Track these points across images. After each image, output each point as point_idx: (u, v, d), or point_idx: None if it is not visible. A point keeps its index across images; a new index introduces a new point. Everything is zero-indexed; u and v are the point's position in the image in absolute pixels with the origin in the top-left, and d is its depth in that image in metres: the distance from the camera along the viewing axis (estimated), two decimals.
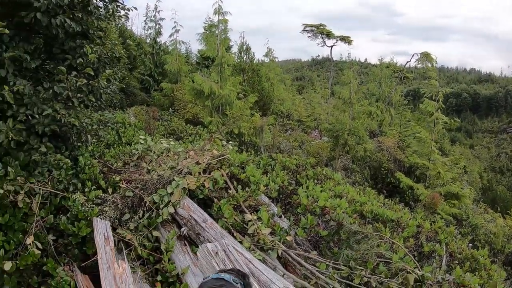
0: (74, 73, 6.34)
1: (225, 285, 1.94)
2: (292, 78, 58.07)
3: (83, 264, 5.54)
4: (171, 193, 6.22)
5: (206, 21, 22.68)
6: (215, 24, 18.91)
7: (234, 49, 26.54)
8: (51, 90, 6.26)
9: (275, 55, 29.40)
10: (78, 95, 6.49)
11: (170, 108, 19.63)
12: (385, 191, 17.38)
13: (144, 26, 32.14)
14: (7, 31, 5.46)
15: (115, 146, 9.08)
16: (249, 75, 24.21)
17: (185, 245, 6.04)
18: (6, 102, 5.48)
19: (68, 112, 6.34)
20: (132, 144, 9.66)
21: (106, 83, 7.14)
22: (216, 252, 4.71)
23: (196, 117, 17.54)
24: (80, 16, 6.50)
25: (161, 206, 6.07)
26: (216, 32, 18.80)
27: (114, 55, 7.73)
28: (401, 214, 9.40)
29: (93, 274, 5.72)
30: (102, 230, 5.30)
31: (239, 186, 7.22)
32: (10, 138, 5.18)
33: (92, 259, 5.55)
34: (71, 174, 6.40)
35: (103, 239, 5.12)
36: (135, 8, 8.43)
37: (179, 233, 6.06)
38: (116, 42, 9.75)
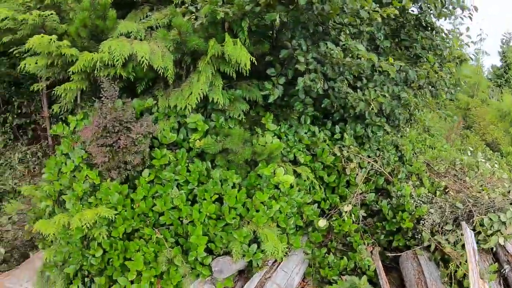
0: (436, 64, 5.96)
1: None
2: None
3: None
4: (503, 223, 5.28)
5: (505, 34, 19.09)
6: None
7: None
8: (405, 73, 6.08)
9: None
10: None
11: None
12: None
13: None
14: None
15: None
16: None
17: (500, 284, 5.03)
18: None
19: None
20: (434, 149, 8.88)
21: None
22: None
23: (496, 142, 15.22)
24: None
25: (488, 232, 5.20)
26: None
27: None
28: None
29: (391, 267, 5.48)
30: (469, 239, 4.82)
31: None
32: (371, 108, 5.17)
33: (397, 254, 5.27)
34: (398, 161, 6.21)
35: (471, 250, 4.62)
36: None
37: (498, 269, 5.08)
38: None
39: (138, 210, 4.19)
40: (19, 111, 6.82)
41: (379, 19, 5.00)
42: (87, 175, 4.18)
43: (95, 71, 4.30)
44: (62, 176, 4.45)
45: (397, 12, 5.08)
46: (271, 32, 5.50)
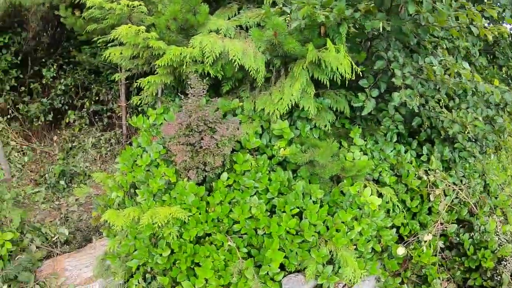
0: None
1: None
2: None
3: None
4: None
5: None
6: None
7: None
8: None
9: None
10: None
11: None
12: None
13: None
14: None
15: None
16: None
17: None
18: None
19: None
20: None
21: None
22: None
23: None
24: None
25: None
26: None
27: None
28: None
29: None
30: None
31: None
32: (467, 132, 4.65)
33: None
34: (482, 191, 5.60)
35: None
36: None
37: None
38: None
39: (213, 214, 3.95)
40: (97, 98, 6.90)
41: (490, 38, 4.49)
42: (164, 172, 3.98)
43: (182, 66, 4.12)
44: (136, 169, 4.30)
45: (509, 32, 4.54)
46: (360, 40, 5.13)
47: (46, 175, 6.27)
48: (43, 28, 6.92)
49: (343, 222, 4.02)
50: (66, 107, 6.94)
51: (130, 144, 6.50)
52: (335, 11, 4.01)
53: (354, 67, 3.81)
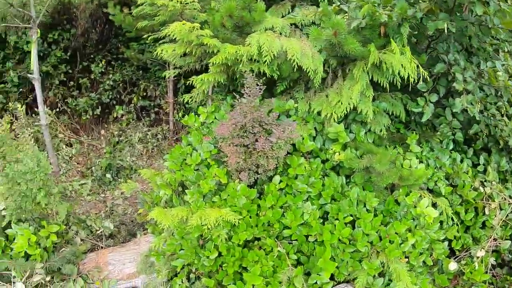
0: None
1: None
2: None
3: None
4: None
5: None
6: None
7: None
8: None
9: None
10: None
11: None
12: None
13: None
14: None
15: None
16: None
17: None
18: None
19: None
20: None
21: None
22: None
23: None
24: None
25: None
26: None
27: None
28: None
29: None
30: None
31: None
32: None
33: None
34: None
35: None
36: None
37: None
38: None
39: (264, 218, 3.81)
40: (144, 94, 6.93)
41: None
42: (215, 173, 3.88)
43: (237, 65, 4.00)
44: (185, 168, 4.22)
45: None
46: (416, 41, 4.87)
47: (93, 168, 6.33)
48: (92, 25, 7.01)
49: (396, 233, 3.80)
50: (114, 102, 7.01)
51: (177, 140, 6.47)
52: (397, 10, 3.79)
53: (420, 71, 3.58)
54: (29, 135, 5.18)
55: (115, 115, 6.92)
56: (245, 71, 3.88)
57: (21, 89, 6.78)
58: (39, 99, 5.07)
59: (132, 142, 6.58)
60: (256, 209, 3.85)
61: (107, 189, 6.16)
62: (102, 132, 6.77)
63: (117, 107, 6.91)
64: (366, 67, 3.63)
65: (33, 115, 6.76)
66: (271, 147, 3.66)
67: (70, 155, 6.69)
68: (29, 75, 5.05)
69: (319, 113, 3.94)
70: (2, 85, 6.58)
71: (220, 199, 3.86)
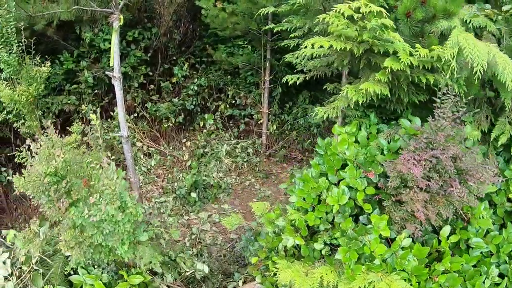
0: None
1: None
2: None
3: None
4: None
5: None
6: None
7: None
8: None
9: None
10: None
11: None
12: None
13: None
14: None
15: None
16: None
17: None
18: None
19: None
20: None
21: None
22: None
23: None
24: None
25: None
26: None
27: None
28: None
29: None
30: None
31: None
32: None
33: None
34: None
35: None
36: None
37: None
38: None
39: (435, 286, 2.61)
40: (233, 101, 5.84)
41: None
42: (378, 224, 2.69)
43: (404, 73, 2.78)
44: (320, 208, 3.06)
45: None
46: None
47: (175, 184, 5.33)
48: (175, 24, 6.04)
49: None
50: (198, 109, 5.97)
51: (270, 156, 5.34)
52: None
53: None
54: (103, 144, 3.94)
55: (202, 124, 5.86)
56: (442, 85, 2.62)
57: (96, 91, 5.87)
58: (119, 102, 3.69)
59: (219, 156, 5.51)
60: (428, 271, 2.65)
61: (191, 210, 5.14)
62: (188, 143, 5.71)
63: (206, 115, 5.83)
64: None
65: (108, 119, 5.87)
66: (460, 196, 2.44)
67: (149, 166, 5.74)
68: (108, 73, 3.78)
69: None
70: (76, 85, 5.67)
71: (381, 259, 2.68)
